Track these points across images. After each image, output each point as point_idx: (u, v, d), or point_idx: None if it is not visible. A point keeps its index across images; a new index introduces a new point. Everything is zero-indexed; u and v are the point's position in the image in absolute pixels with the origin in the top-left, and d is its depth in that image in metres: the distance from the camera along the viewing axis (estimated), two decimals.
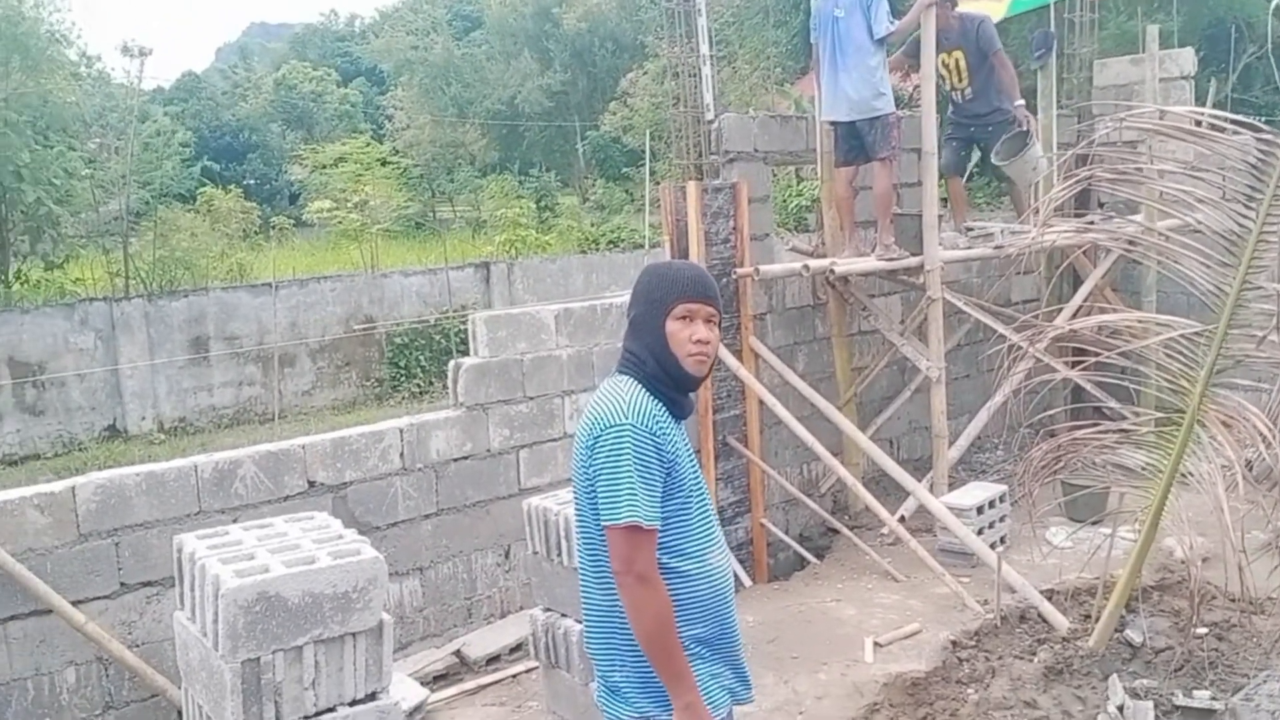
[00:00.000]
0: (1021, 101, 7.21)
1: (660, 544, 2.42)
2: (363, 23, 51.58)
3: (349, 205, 19.50)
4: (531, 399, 5.80)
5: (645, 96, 24.50)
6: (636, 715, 2.47)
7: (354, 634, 3.43)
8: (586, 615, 2.58)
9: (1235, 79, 17.32)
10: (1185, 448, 4.48)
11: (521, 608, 5.58)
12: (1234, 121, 4.40)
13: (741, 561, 6.62)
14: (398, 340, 15.89)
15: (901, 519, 6.42)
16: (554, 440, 5.88)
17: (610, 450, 2.37)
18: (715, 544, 2.56)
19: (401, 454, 5.33)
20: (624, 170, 29.59)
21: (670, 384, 2.50)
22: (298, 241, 24.65)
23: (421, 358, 15.74)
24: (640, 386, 2.48)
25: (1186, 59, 8.76)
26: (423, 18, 40.58)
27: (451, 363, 5.69)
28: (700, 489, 2.55)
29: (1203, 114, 4.68)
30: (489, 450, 5.64)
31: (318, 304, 16.02)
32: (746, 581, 6.43)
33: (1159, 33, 8.58)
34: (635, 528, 2.33)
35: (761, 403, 6.62)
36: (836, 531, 6.84)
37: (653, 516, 2.36)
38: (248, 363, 15.19)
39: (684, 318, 2.50)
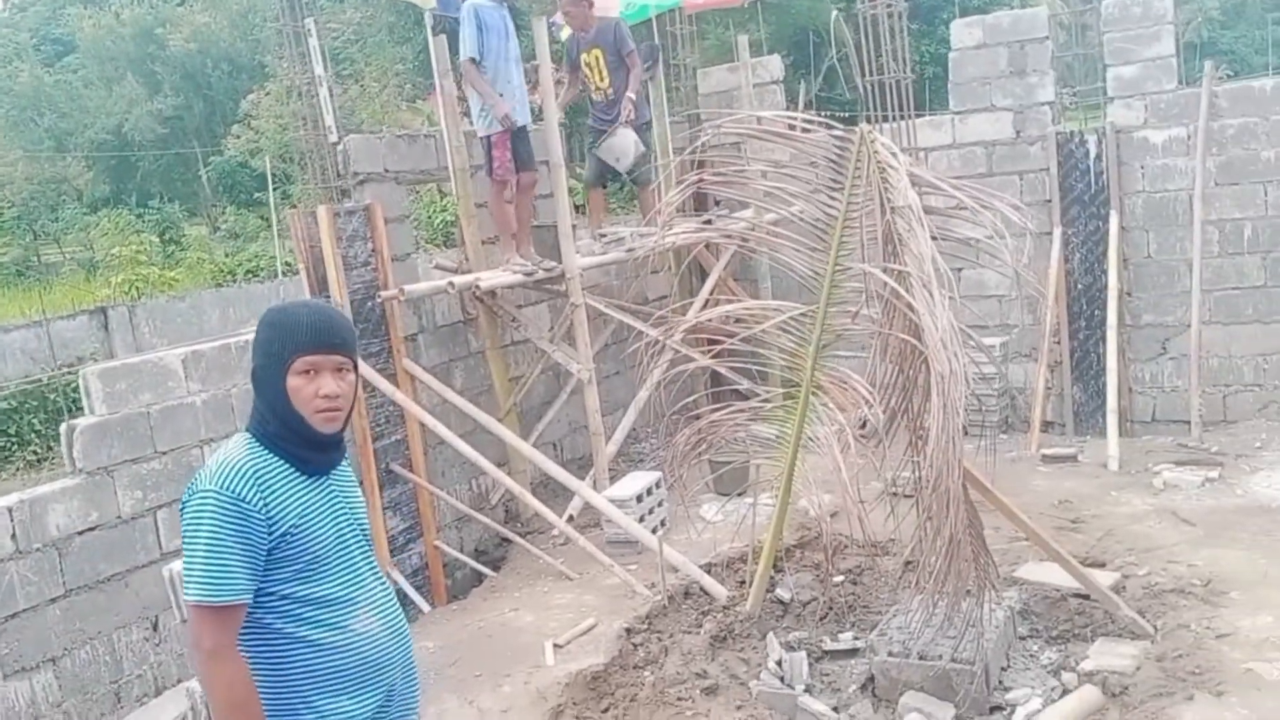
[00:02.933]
0: (633, 95, 7.49)
1: (285, 613, 2.29)
2: None
3: None
4: (164, 454, 5.32)
5: (270, 118, 23.34)
6: None
7: None
8: None
9: (821, 80, 19.38)
10: (805, 416, 4.96)
11: (179, 681, 5.12)
12: (814, 122, 4.93)
13: (418, 587, 6.50)
14: (3, 405, 14.02)
15: (570, 518, 6.59)
16: None
17: (189, 519, 2.25)
18: (365, 606, 2.39)
19: (14, 535, 4.70)
20: (256, 195, 28.02)
21: (300, 443, 2.34)
22: None
23: (35, 421, 13.99)
24: (255, 444, 2.33)
25: (775, 65, 9.68)
26: (4, 44, 36.16)
27: (64, 426, 5.10)
28: (344, 548, 2.39)
29: (791, 117, 5.18)
30: (120, 517, 5.11)
31: None
32: (425, 607, 6.33)
33: (750, 42, 9.42)
34: (200, 606, 2.19)
35: (423, 424, 6.53)
36: (511, 541, 6.90)
37: (225, 592, 2.19)
38: None
39: (306, 372, 2.32)
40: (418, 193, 16.04)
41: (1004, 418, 8.39)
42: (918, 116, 8.67)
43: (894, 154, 4.45)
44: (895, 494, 5.39)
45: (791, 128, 5.00)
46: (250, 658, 2.28)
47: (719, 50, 15.16)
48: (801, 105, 11.82)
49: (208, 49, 30.55)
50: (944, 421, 4.07)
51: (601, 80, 7.51)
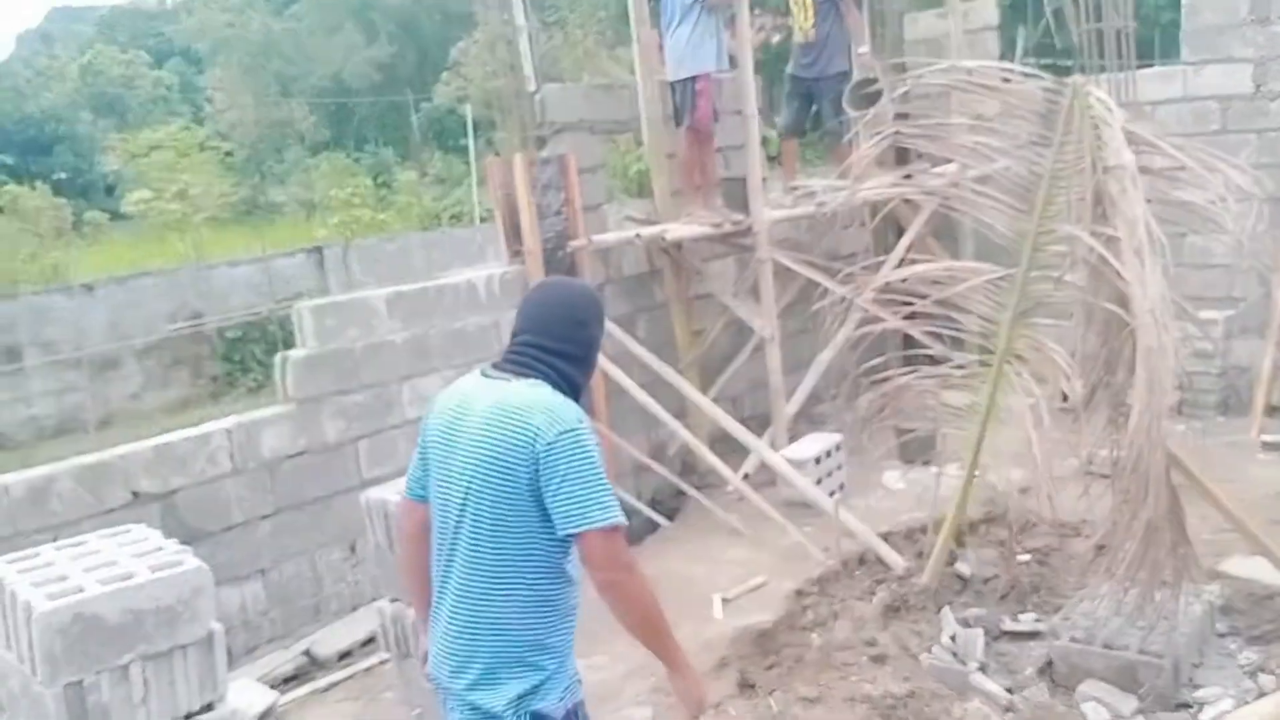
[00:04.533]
0: (865, 49, 7.21)
1: (565, 550, 2.44)
2: (174, 0, 48.88)
3: (168, 196, 18.50)
4: (368, 388, 5.65)
5: (477, 66, 24.05)
6: (564, 705, 2.47)
7: (183, 646, 3.32)
8: (489, 627, 2.43)
9: (1045, 24, 18.22)
10: (998, 386, 4.74)
11: (372, 600, 5.47)
12: (1022, 73, 4.64)
13: None
14: (230, 335, 15.24)
15: (745, 476, 6.57)
16: (395, 428, 5.75)
17: (578, 451, 2.32)
18: None
19: (231, 455, 5.13)
20: (462, 141, 29.07)
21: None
22: (117, 236, 23.29)
23: (257, 350, 15.15)
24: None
25: (989, 10, 9.13)
26: None
27: (278, 356, 5.49)
28: None
29: (998, 67, 4.90)
30: (325, 444, 5.48)
31: (140, 302, 15.20)
32: None
33: None
34: (618, 527, 2.33)
35: (605, 373, 6.64)
36: (686, 493, 6.95)
37: (621, 514, 2.37)
38: (68, 369, 14.31)
39: None
40: (614, 141, 16.21)
41: (1223, 399, 7.74)
42: (1144, 67, 8.03)
43: (1109, 109, 4.14)
44: (1091, 473, 5.09)
45: (1004, 79, 4.73)
46: (548, 592, 2.45)
47: None
48: (1019, 53, 11.13)
49: None
50: (1149, 399, 3.79)
51: (806, 20, 7.24)
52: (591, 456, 2.34)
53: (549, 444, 2.31)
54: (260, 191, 30.82)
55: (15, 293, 14.90)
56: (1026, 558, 5.30)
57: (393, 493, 4.34)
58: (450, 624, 2.48)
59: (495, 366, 2.52)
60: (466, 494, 2.42)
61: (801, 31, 7.28)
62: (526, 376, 2.45)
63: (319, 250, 17.34)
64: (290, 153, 31.45)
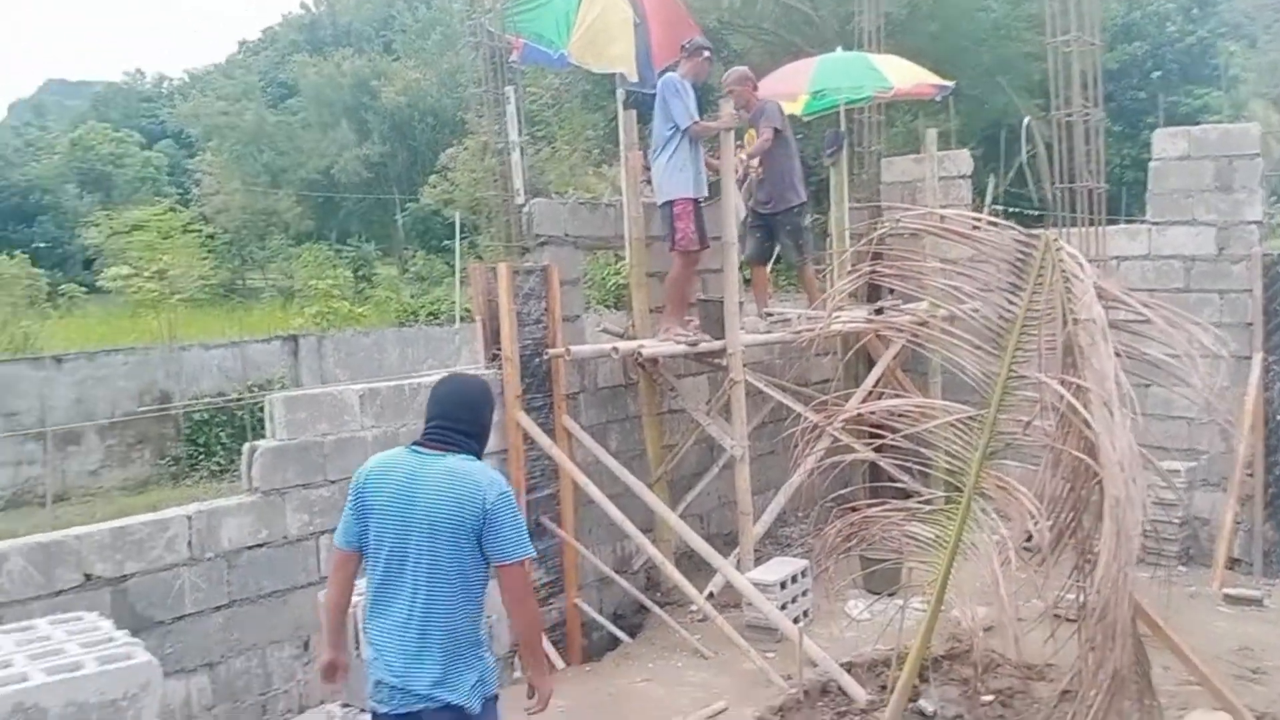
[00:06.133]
0: (744, 156, 7.51)
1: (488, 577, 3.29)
2: (171, 84, 49.79)
3: (146, 274, 18.53)
4: (333, 482, 5.59)
5: (465, 171, 24.55)
6: (488, 695, 3.28)
7: None
8: (443, 635, 3.16)
9: (1012, 176, 18.94)
10: (965, 523, 4.76)
11: (322, 702, 5.31)
12: (996, 224, 4.81)
13: (555, 643, 6.54)
14: (196, 417, 15.08)
15: (710, 595, 6.52)
16: None
17: (511, 506, 3.22)
18: None
19: (190, 543, 5.03)
20: (445, 242, 29.46)
21: None
22: (92, 309, 23.17)
23: (223, 435, 14.98)
24: None
25: (964, 160, 9.51)
26: (235, 83, 39.62)
27: (246, 446, 5.44)
28: None
29: (974, 218, 5.09)
30: (286, 537, 5.39)
31: (108, 378, 15.04)
32: (559, 663, 6.36)
33: (939, 134, 9.30)
34: (530, 559, 3.26)
35: (575, 482, 6.63)
36: (649, 609, 6.87)
37: None
38: (28, 441, 14.05)
39: None
40: (595, 254, 16.54)
41: (1184, 549, 7.82)
42: (1111, 224, 8.34)
43: (1080, 264, 4.29)
44: (1057, 616, 5.10)
45: (975, 227, 4.89)
46: (480, 604, 3.26)
47: (905, 138, 15.02)
48: (989, 201, 11.56)
49: (416, 102, 32.54)
50: (1116, 549, 3.83)
51: (756, 160, 7.59)
52: (517, 509, 3.25)
53: (493, 501, 3.17)
54: (239, 276, 30.93)
55: None
56: (990, 698, 5.25)
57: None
58: (408, 637, 3.16)
59: (421, 445, 3.29)
60: (428, 536, 3.16)
61: (754, 171, 7.58)
62: (455, 451, 3.26)
63: (294, 339, 17.31)
64: (273, 241, 31.71)
